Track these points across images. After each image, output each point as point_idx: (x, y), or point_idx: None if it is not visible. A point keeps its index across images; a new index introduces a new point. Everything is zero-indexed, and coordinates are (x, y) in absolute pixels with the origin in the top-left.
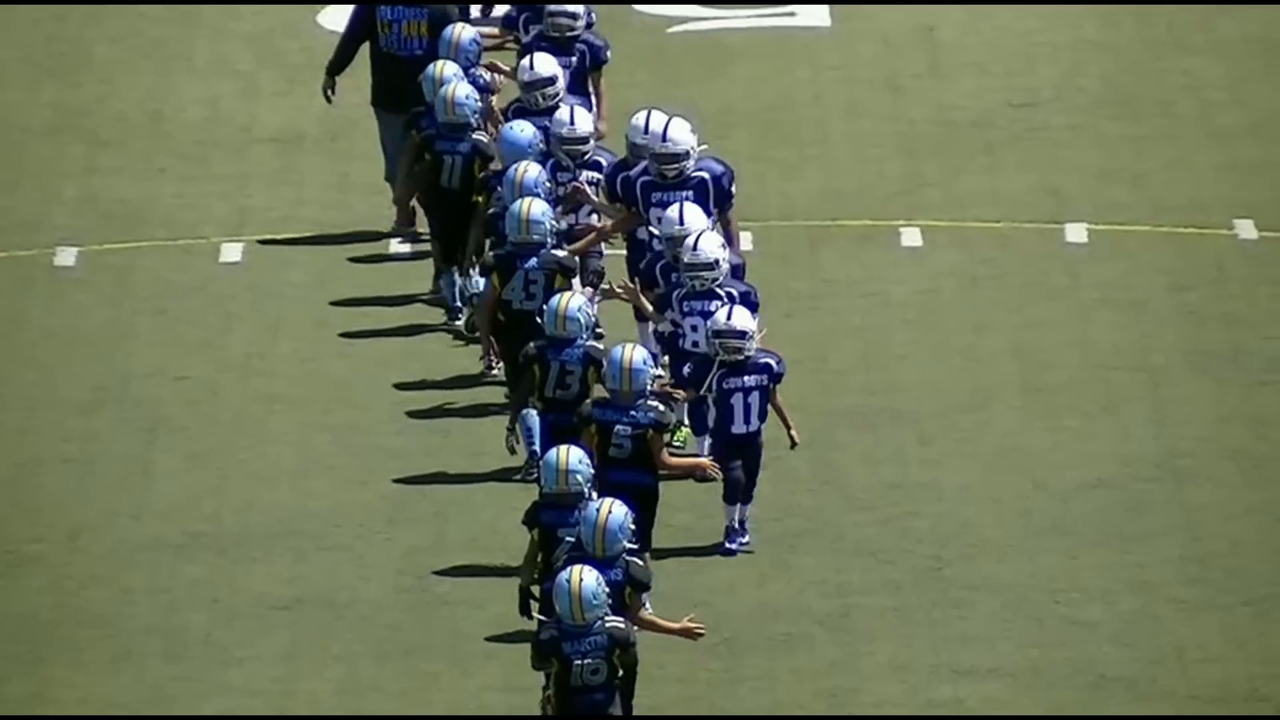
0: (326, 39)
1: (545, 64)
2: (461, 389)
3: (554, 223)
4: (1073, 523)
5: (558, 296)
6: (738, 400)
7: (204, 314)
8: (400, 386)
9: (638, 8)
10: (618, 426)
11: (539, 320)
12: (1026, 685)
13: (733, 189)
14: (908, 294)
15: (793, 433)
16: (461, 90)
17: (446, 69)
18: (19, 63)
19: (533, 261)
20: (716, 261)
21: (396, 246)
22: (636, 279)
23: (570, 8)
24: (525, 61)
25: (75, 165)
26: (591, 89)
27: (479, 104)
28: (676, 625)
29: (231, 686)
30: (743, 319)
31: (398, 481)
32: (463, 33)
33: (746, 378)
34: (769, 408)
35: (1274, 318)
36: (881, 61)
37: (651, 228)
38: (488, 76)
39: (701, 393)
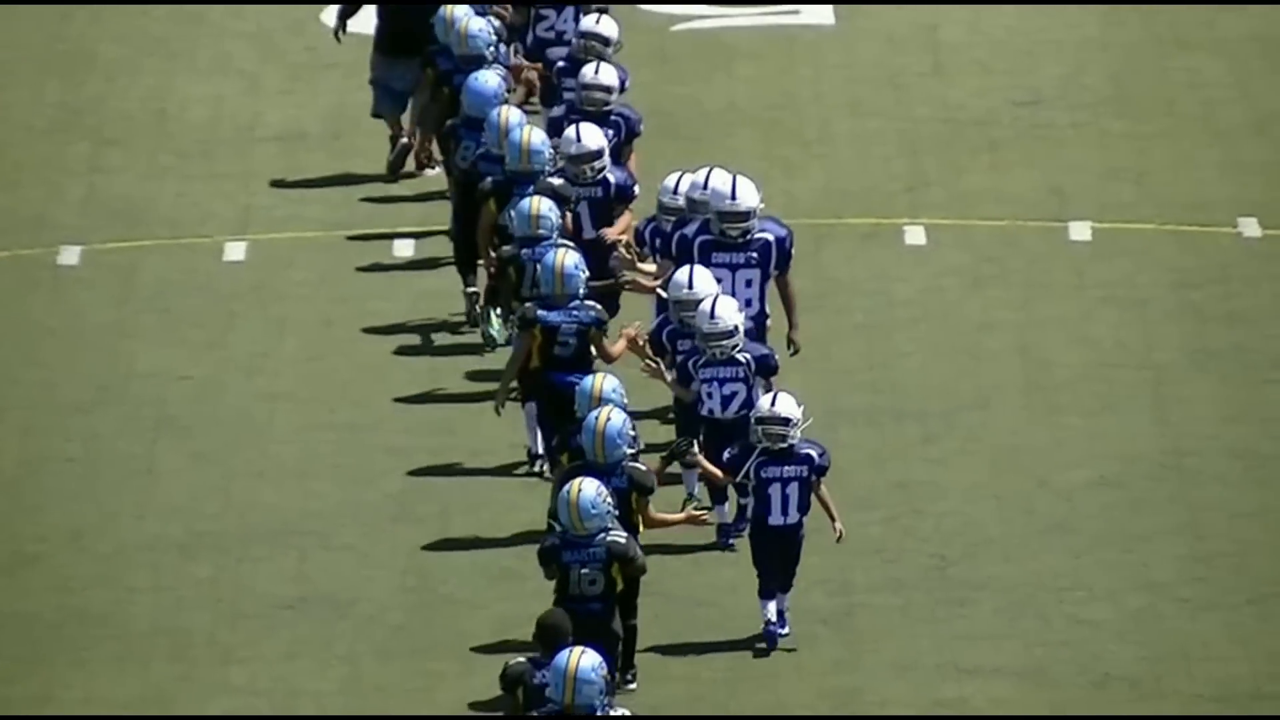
0: (329, 38)
1: (592, 137)
2: (465, 388)
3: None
4: (1077, 521)
5: (528, 200)
6: (775, 490)
7: (208, 313)
8: (404, 385)
9: (642, 5)
10: (563, 325)
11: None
12: (1031, 684)
13: (793, 250)
14: (912, 292)
15: (838, 525)
16: (475, 24)
17: (458, 9)
18: (23, 61)
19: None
20: (736, 328)
21: (400, 251)
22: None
23: (604, 80)
24: (571, 133)
25: (79, 164)
26: (624, 159)
27: (493, 37)
28: (682, 516)
29: (235, 686)
30: (787, 406)
31: (402, 481)
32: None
33: (787, 467)
34: (811, 499)
35: (1278, 316)
36: (885, 60)
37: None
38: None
39: (739, 480)
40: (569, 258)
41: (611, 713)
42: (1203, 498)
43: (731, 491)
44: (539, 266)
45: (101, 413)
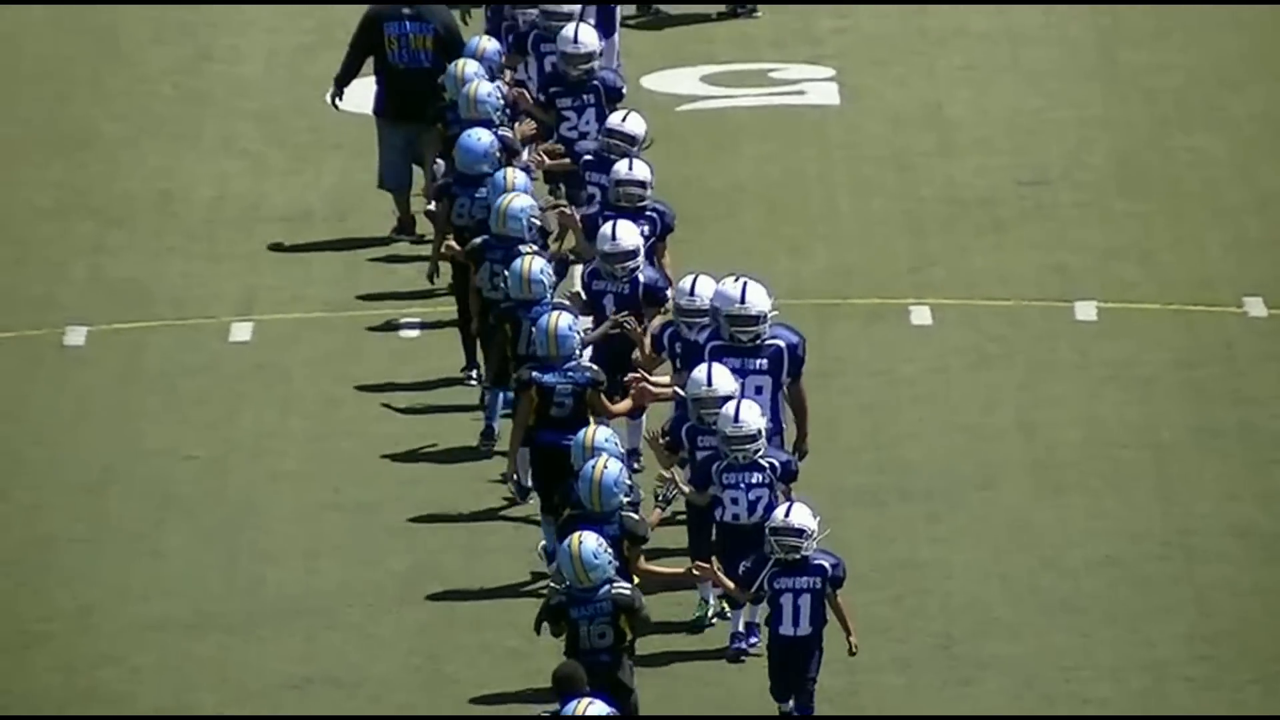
0: (334, 117)
1: (629, 235)
2: (471, 467)
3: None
4: (1082, 600)
5: (521, 260)
6: (787, 601)
7: (213, 393)
8: (410, 465)
9: (646, 85)
10: (558, 386)
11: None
12: None
13: (805, 356)
14: (917, 372)
15: (853, 639)
16: (484, 88)
17: (468, 67)
18: (26, 141)
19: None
20: (759, 432)
21: (405, 332)
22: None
23: (639, 175)
24: (606, 230)
25: (83, 244)
26: (656, 257)
27: (501, 100)
28: (680, 571)
29: None
30: (802, 517)
31: (407, 561)
32: (487, 45)
33: (800, 579)
34: (826, 611)
35: None
36: (890, 139)
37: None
38: (512, 135)
39: (754, 591)
40: (562, 319)
41: None
42: (1207, 576)
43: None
44: (533, 329)
45: (107, 492)
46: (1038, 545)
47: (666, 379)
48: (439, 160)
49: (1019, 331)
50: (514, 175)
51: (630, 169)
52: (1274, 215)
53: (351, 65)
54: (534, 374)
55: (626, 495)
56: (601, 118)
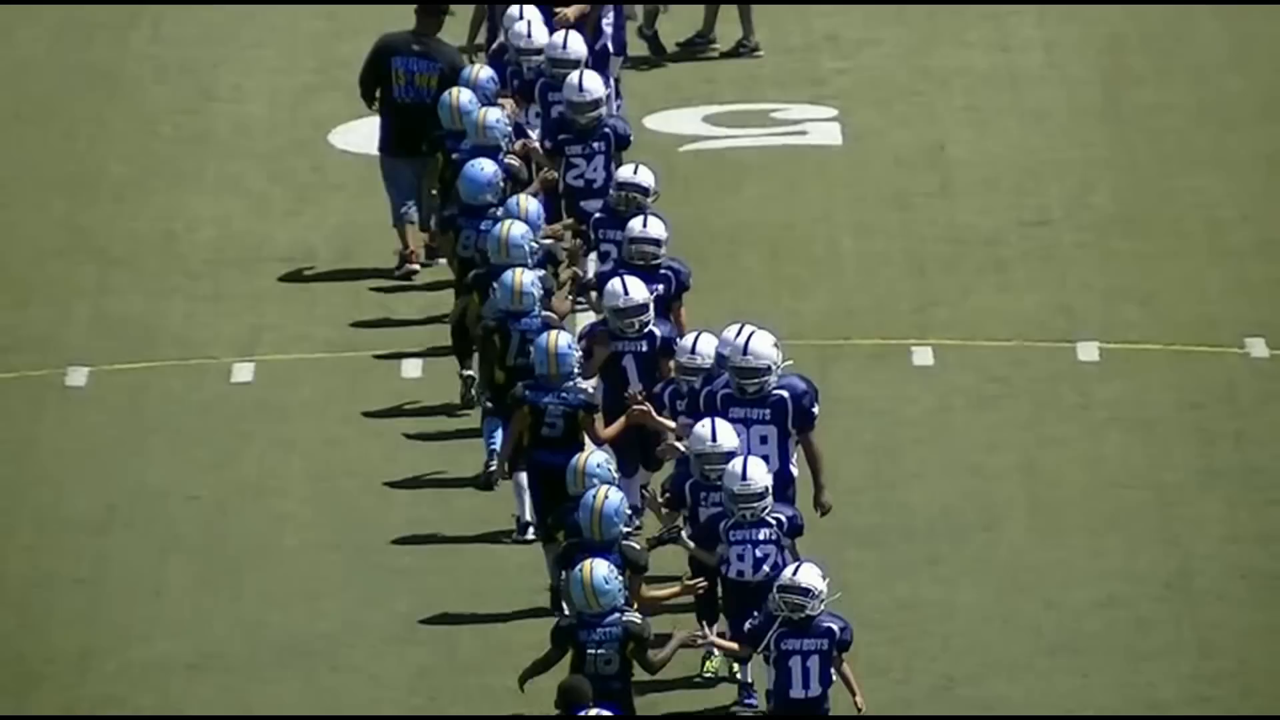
0: (337, 158)
1: (639, 290)
2: (473, 508)
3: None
4: (1084, 641)
5: (510, 273)
6: (795, 663)
7: (215, 433)
8: (411, 505)
9: (649, 125)
10: (549, 407)
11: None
12: None
13: (815, 409)
14: (919, 413)
15: (859, 700)
16: (491, 114)
17: (463, 95)
18: (29, 181)
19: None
20: (766, 490)
21: (407, 371)
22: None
23: (653, 233)
24: (617, 286)
25: (87, 284)
26: (672, 315)
27: (508, 126)
28: (676, 589)
29: None
30: (810, 576)
31: (409, 601)
32: (480, 72)
33: (807, 640)
34: (834, 673)
35: None
36: (892, 179)
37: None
38: (518, 163)
39: (760, 651)
40: (561, 338)
41: None
42: (1209, 617)
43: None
44: (532, 348)
45: (110, 533)
46: (1040, 586)
47: (671, 424)
48: (434, 191)
49: (1021, 372)
50: (526, 203)
51: (644, 226)
52: (1276, 256)
53: (366, 95)
54: (527, 393)
55: (627, 525)
56: (610, 165)
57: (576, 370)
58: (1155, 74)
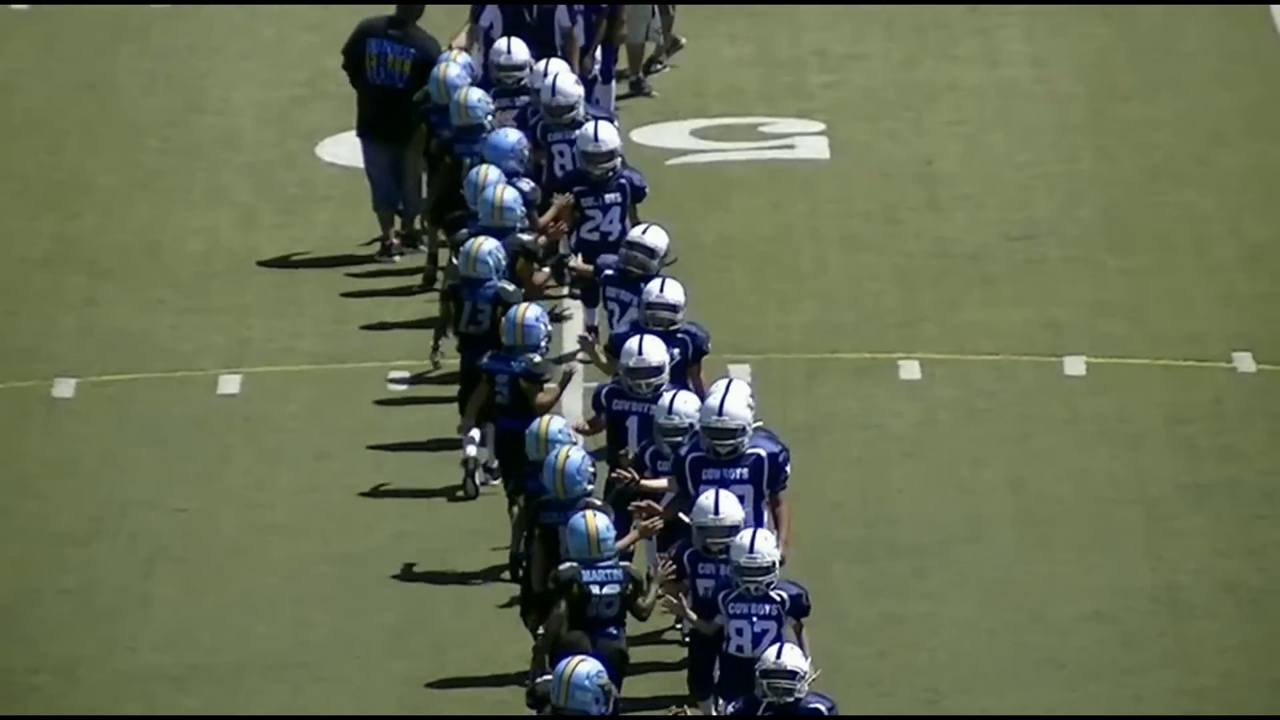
0: (325, 171)
1: (655, 352)
2: (460, 520)
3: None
4: (1069, 655)
5: (471, 241)
6: None
7: (202, 445)
8: (399, 517)
9: (636, 139)
10: (498, 375)
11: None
12: None
13: (788, 468)
14: (906, 426)
15: None
16: (474, 94)
17: (450, 71)
18: (17, 193)
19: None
20: (773, 565)
21: (394, 384)
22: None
23: (669, 298)
24: (632, 346)
25: (74, 296)
26: (690, 379)
27: (491, 105)
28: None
29: None
30: (794, 658)
31: (396, 613)
32: (458, 57)
33: None
34: None
35: (1271, 451)
36: (879, 194)
37: (681, 514)
38: (527, 187)
39: None
40: (530, 311)
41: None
42: (1195, 632)
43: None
44: (503, 320)
45: (96, 544)
46: (1025, 600)
47: (663, 482)
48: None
49: (1008, 386)
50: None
51: (661, 291)
52: (1263, 270)
53: (350, 77)
54: (483, 361)
55: (590, 483)
56: (626, 218)
57: (544, 344)
58: (1142, 89)
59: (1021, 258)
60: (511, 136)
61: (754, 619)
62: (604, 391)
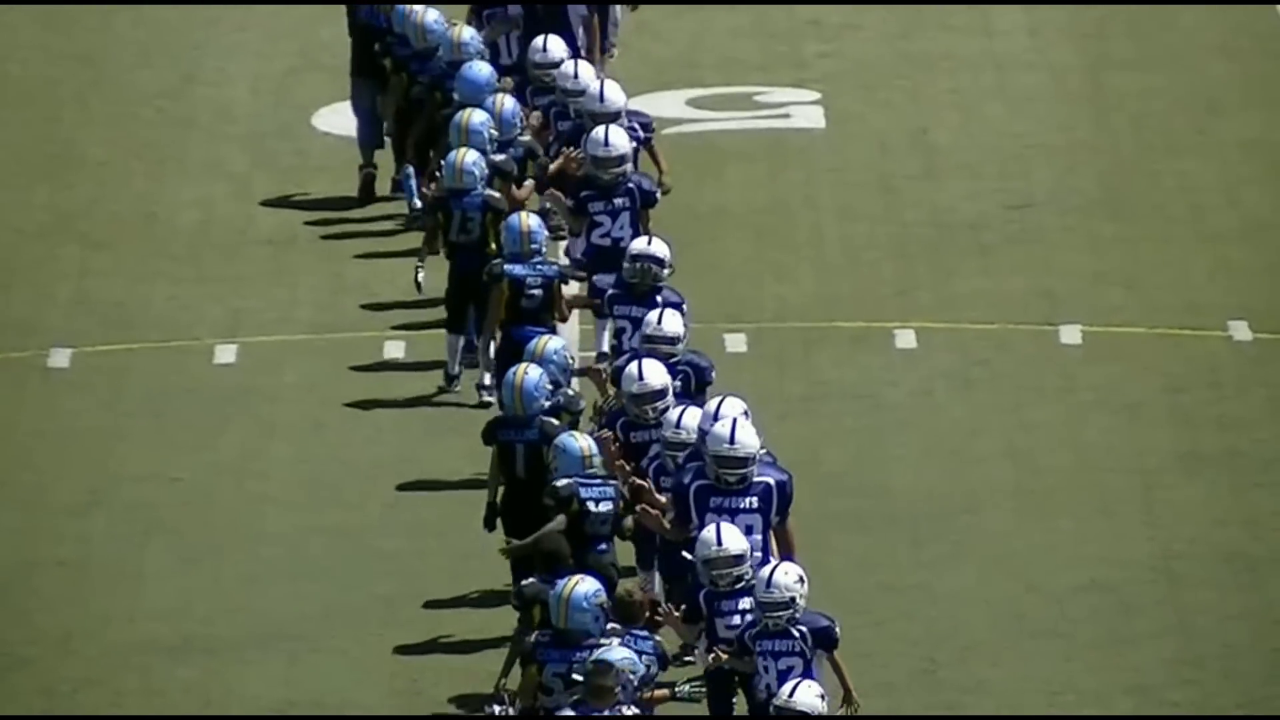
0: (320, 141)
1: (656, 375)
2: (455, 491)
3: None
4: (1066, 625)
5: (454, 153)
6: None
7: (198, 416)
8: (394, 489)
9: (632, 109)
10: (528, 279)
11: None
12: None
13: (793, 494)
14: (902, 396)
15: None
16: (430, 15)
17: (429, 15)
18: (12, 164)
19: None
20: (793, 599)
21: (391, 354)
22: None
23: (668, 330)
24: (633, 370)
25: (69, 267)
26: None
27: (448, 27)
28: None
29: None
30: (808, 698)
31: (392, 584)
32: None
33: None
34: None
35: (1268, 420)
36: (876, 163)
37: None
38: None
39: None
40: (532, 219)
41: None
42: (1192, 601)
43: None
44: (504, 232)
45: (92, 516)
46: (1022, 570)
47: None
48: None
49: (1004, 355)
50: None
51: (659, 323)
52: (1260, 239)
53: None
54: (506, 267)
55: (548, 399)
56: (636, 223)
57: (545, 248)
58: (1139, 58)
59: (1018, 227)
60: (484, 70)
61: (777, 655)
62: (619, 425)
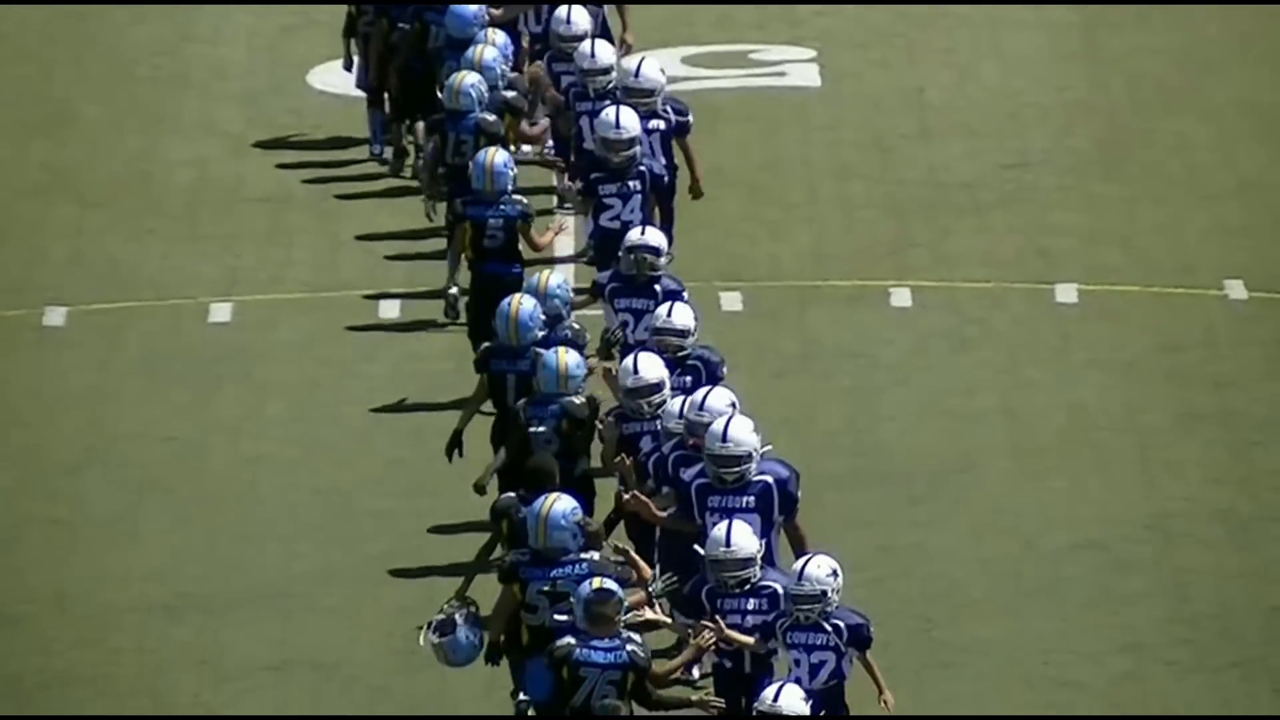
0: (315, 99)
1: (651, 368)
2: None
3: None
4: (1061, 584)
5: (454, 75)
6: None
7: (192, 375)
8: (389, 448)
9: (627, 66)
10: (490, 219)
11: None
12: None
13: (799, 493)
14: (897, 355)
15: None
16: None
17: None
18: (6, 122)
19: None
20: (825, 593)
21: (385, 314)
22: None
23: (677, 322)
24: (628, 364)
25: (64, 226)
26: None
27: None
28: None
29: None
30: (791, 700)
31: (386, 543)
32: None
33: None
34: None
35: (1263, 378)
36: (871, 122)
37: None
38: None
39: None
40: (499, 155)
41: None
42: (1187, 560)
43: None
44: (471, 164)
45: (86, 474)
46: (1017, 529)
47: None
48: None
49: (999, 314)
50: (483, 52)
51: (669, 316)
52: (1255, 199)
53: None
54: (467, 209)
55: (542, 330)
56: (646, 207)
57: (510, 187)
58: (1134, 17)
59: (1013, 186)
60: (471, 7)
61: (809, 649)
62: (612, 416)
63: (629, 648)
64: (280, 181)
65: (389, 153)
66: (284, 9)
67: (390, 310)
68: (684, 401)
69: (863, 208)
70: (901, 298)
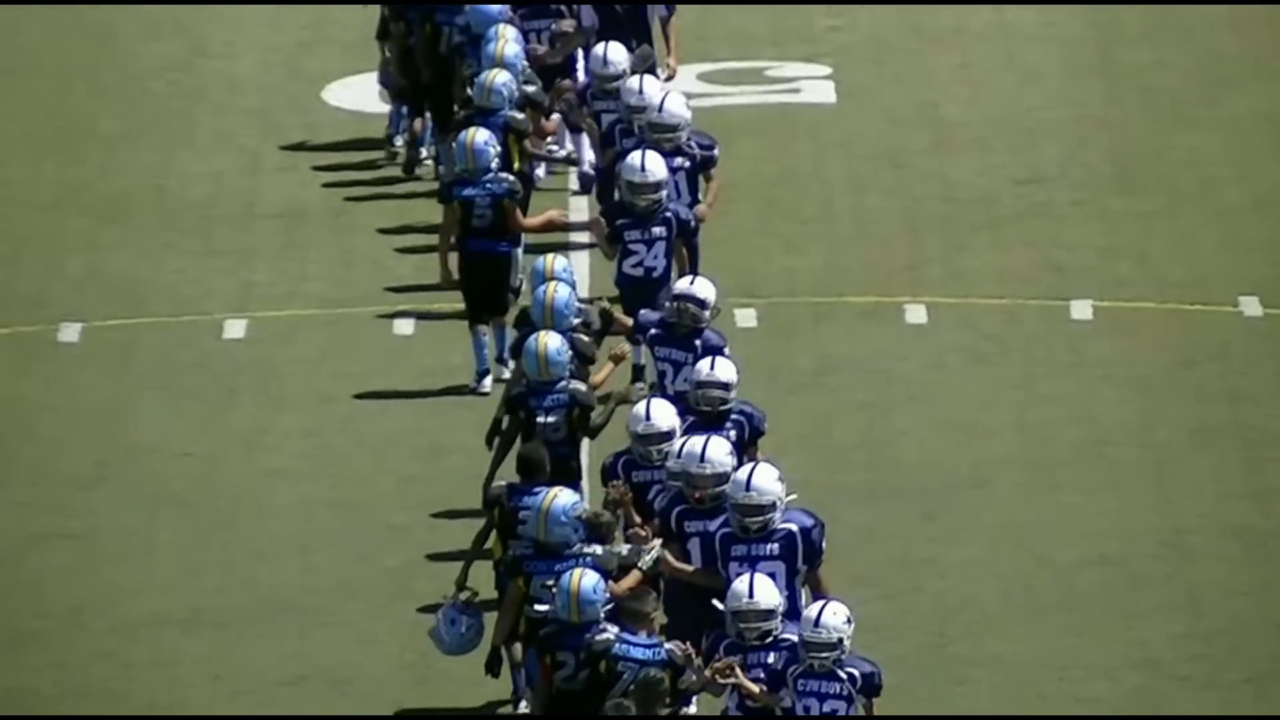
0: (330, 114)
1: (664, 416)
2: (464, 465)
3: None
4: (1076, 599)
5: (485, 74)
6: None
7: (207, 390)
8: (403, 462)
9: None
10: (477, 198)
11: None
12: None
13: (824, 543)
14: (912, 370)
15: None
16: None
17: None
18: (22, 138)
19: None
20: (840, 641)
21: (400, 329)
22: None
23: (720, 377)
24: (640, 410)
25: (78, 241)
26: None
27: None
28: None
29: None
30: None
31: (401, 557)
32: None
33: None
34: None
35: (1278, 394)
36: (886, 138)
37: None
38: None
39: None
40: (479, 135)
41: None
42: (1201, 576)
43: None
44: (454, 150)
45: (101, 489)
46: (1032, 544)
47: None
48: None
49: (1014, 330)
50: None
51: (712, 369)
52: (1270, 214)
53: None
54: (456, 189)
55: (577, 318)
56: (670, 253)
57: (494, 165)
58: (1149, 32)
59: (1028, 201)
60: (495, 6)
61: (822, 697)
62: (621, 463)
63: (667, 645)
64: (295, 197)
65: (400, 140)
66: (299, 25)
67: (404, 326)
68: (681, 447)
69: (878, 223)
70: (917, 313)
